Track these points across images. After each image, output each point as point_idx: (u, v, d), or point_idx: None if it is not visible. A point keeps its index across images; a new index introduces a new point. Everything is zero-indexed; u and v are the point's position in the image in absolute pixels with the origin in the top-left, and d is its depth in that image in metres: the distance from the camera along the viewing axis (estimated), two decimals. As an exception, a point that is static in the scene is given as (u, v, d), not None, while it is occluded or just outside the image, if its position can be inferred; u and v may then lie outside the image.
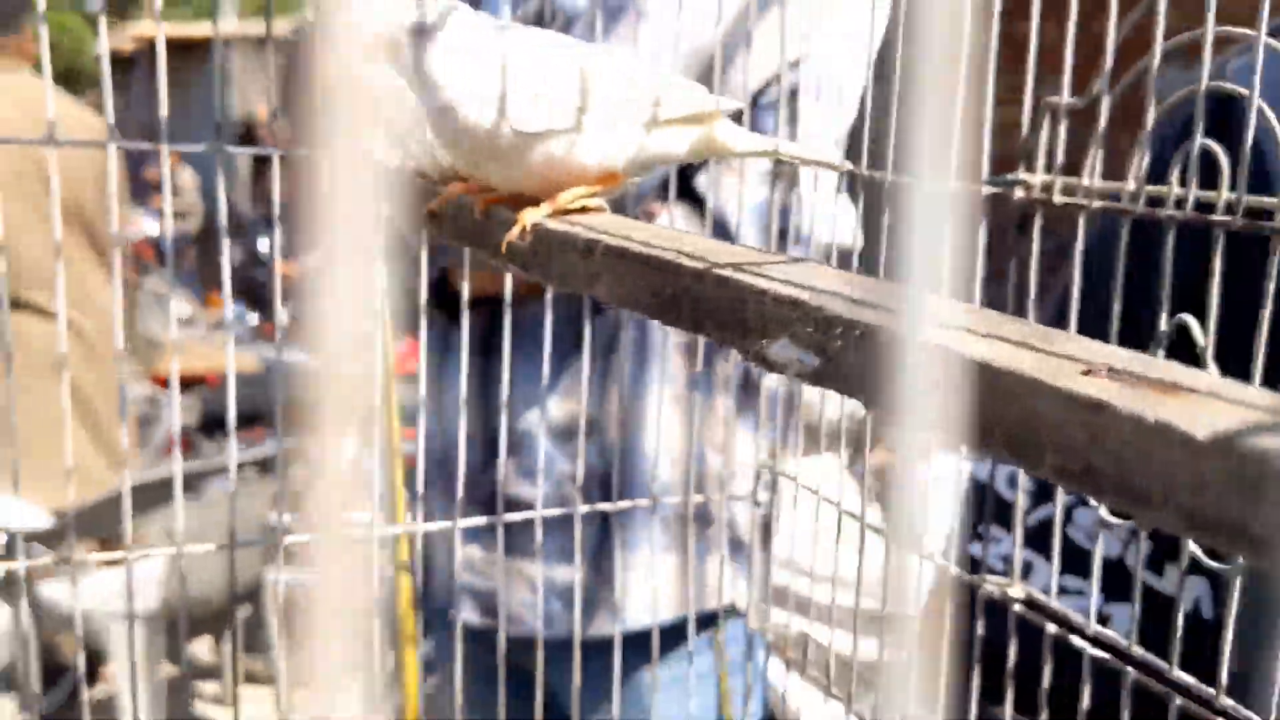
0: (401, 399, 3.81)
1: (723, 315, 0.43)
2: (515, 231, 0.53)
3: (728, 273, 0.43)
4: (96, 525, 2.84)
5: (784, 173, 1.29)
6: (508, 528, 1.27)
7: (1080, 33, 0.73)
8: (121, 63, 14.84)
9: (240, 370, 4.13)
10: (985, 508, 0.79)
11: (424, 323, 0.98)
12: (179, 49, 11.93)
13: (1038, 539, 0.85)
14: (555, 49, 0.58)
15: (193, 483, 3.61)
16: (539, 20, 1.25)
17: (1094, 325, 0.72)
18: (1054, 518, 0.79)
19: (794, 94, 1.31)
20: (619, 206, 1.17)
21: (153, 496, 2.84)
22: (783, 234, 1.26)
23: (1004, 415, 0.33)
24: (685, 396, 1.31)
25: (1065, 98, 0.70)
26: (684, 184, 1.27)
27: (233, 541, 0.81)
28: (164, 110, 0.80)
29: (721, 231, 1.18)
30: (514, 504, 1.28)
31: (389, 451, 1.02)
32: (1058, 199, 0.71)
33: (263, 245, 8.44)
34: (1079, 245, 0.73)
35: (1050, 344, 0.36)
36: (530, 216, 0.53)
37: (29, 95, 3.30)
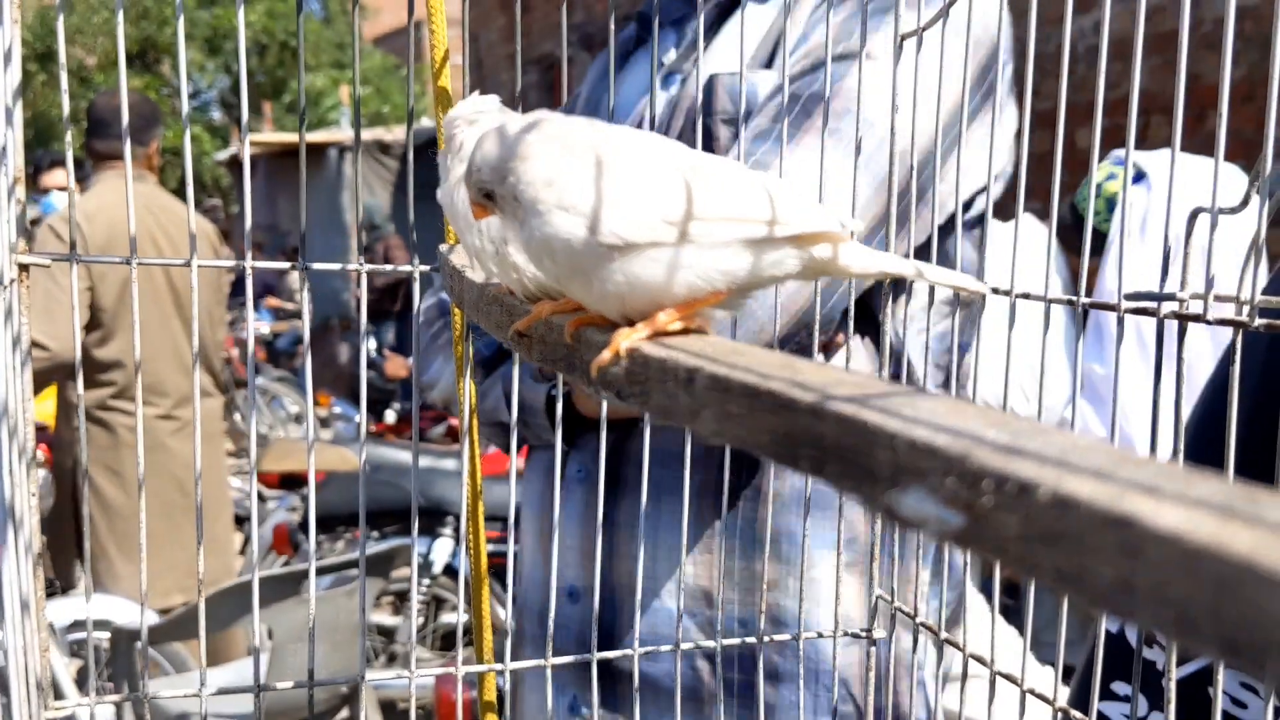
0: (499, 500, 3.75)
1: (846, 459, 0.37)
2: (608, 355, 0.48)
3: (851, 410, 0.38)
4: (195, 627, 2.86)
5: (970, 301, 1.20)
6: (626, 698, 1.18)
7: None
8: (239, 167, 15.53)
9: (345, 470, 4.17)
10: (1132, 667, 0.70)
11: (514, 439, 0.94)
12: (296, 154, 12.45)
13: (1183, 702, 0.75)
14: (655, 154, 0.54)
15: (295, 581, 3.63)
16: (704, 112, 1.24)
17: (1220, 450, 0.64)
18: (1197, 674, 0.70)
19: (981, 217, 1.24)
20: (790, 339, 1.11)
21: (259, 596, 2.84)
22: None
23: (1217, 609, 0.26)
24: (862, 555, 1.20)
25: (1219, 204, 0.63)
26: (862, 311, 1.21)
27: (310, 680, 0.76)
28: (302, 214, 0.79)
29: (896, 364, 1.13)
30: (641, 681, 1.20)
31: (476, 561, 0.97)
32: (1211, 316, 0.63)
33: (371, 346, 8.63)
34: (1235, 368, 0.65)
35: (1260, 510, 0.29)
36: (624, 340, 0.48)
37: (158, 204, 3.47)
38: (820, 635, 1.01)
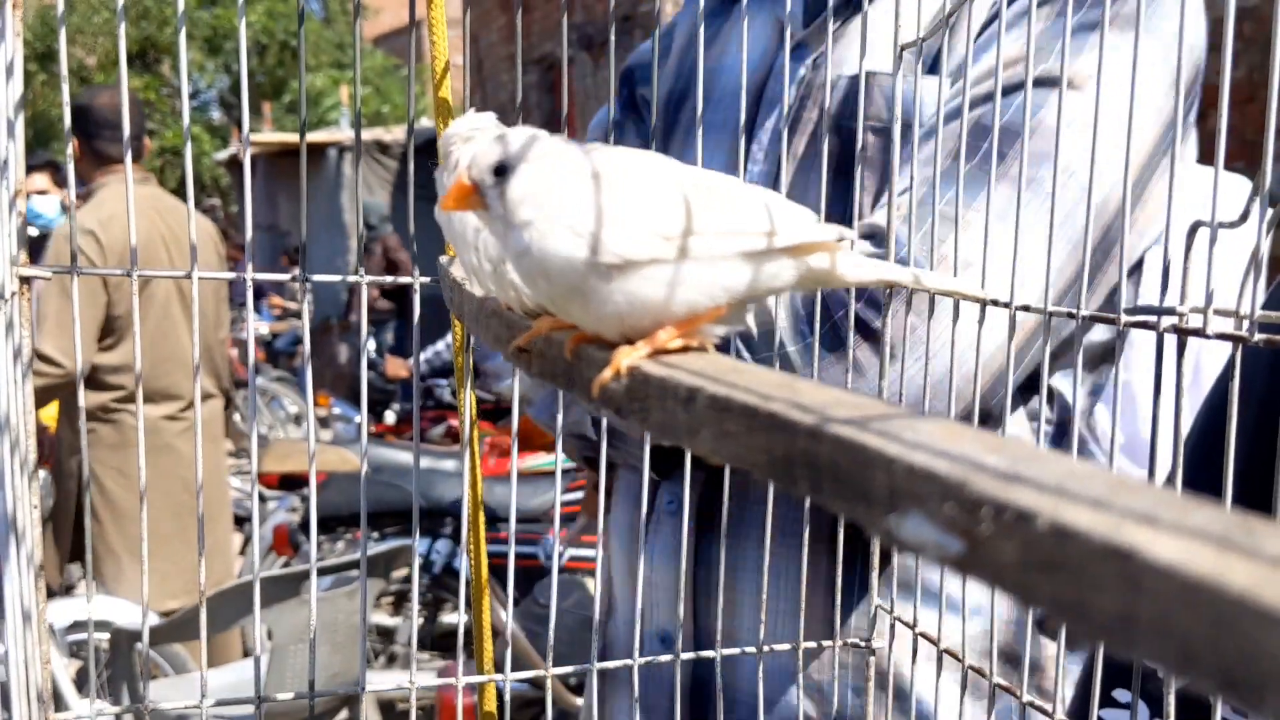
0: (500, 499, 3.74)
1: (843, 483, 0.37)
2: (608, 374, 0.48)
3: (849, 432, 0.38)
4: (196, 628, 2.87)
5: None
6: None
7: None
8: (238, 167, 15.53)
9: (346, 470, 4.17)
10: (1131, 675, 0.70)
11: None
12: (295, 154, 12.46)
13: (1183, 710, 0.75)
14: (649, 171, 0.54)
15: (295, 582, 3.64)
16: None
17: (1220, 465, 0.64)
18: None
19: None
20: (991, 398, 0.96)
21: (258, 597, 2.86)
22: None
23: (1217, 643, 0.26)
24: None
25: (1218, 216, 0.63)
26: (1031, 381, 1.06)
27: (311, 691, 0.76)
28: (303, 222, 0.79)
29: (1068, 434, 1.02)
30: None
31: (476, 570, 0.96)
32: (1211, 330, 0.63)
33: (370, 347, 8.63)
34: (1235, 384, 0.65)
35: (1258, 542, 0.29)
36: (625, 358, 0.48)
37: (163, 206, 3.48)
38: (820, 645, 1.00)
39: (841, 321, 0.96)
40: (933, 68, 1.05)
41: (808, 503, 0.88)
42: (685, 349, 0.50)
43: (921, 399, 0.88)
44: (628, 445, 1.11)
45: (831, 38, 0.89)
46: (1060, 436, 1.09)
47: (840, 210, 1.03)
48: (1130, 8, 0.95)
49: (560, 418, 0.93)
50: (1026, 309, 0.76)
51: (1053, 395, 1.08)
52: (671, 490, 1.14)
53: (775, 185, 1.10)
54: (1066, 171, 0.93)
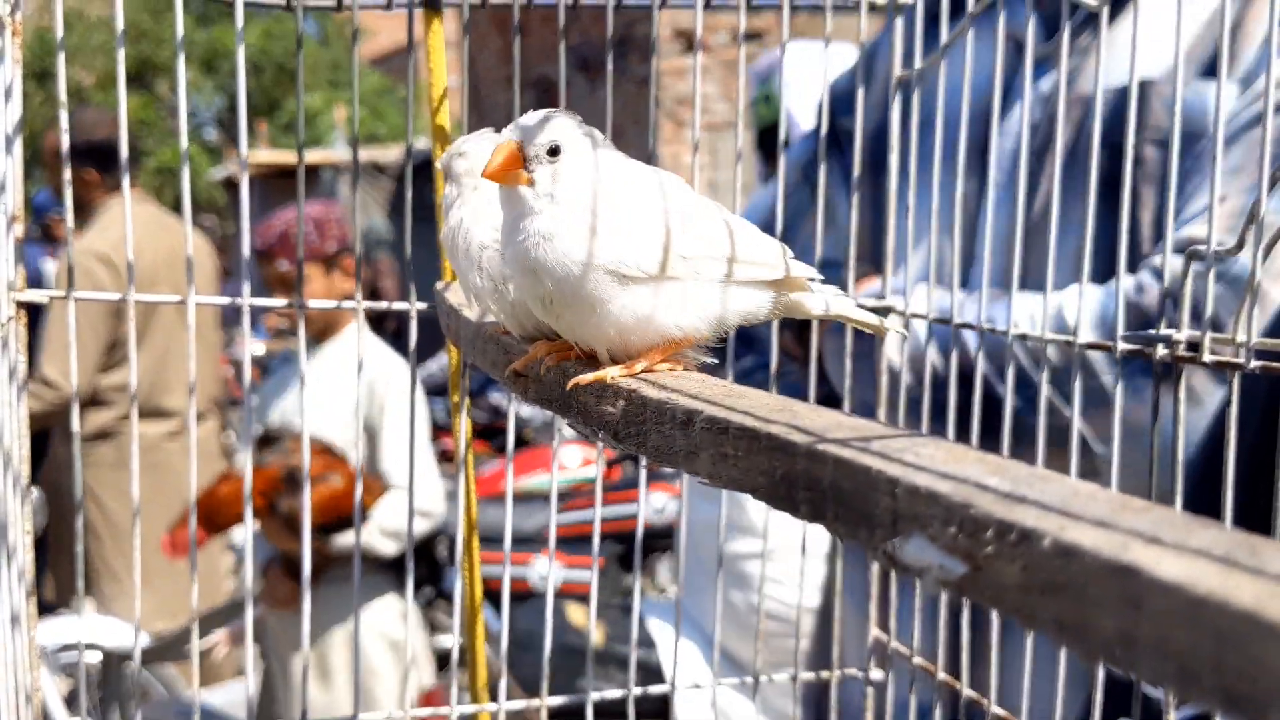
0: (492, 521, 3.70)
1: (845, 505, 0.37)
2: (588, 377, 0.48)
3: (849, 454, 0.38)
4: (187, 648, 2.85)
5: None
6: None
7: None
8: (235, 187, 15.52)
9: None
10: (1130, 703, 0.70)
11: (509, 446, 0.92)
12: (290, 174, 12.47)
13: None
14: (653, 191, 0.54)
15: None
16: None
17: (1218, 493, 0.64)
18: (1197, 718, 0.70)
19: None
20: None
21: (240, 616, 2.85)
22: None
23: (1219, 661, 0.26)
24: None
25: (1214, 245, 0.63)
26: None
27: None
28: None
29: None
30: None
31: (469, 585, 0.96)
32: (1207, 358, 0.64)
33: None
34: (1233, 409, 0.65)
35: (1262, 561, 0.29)
36: (612, 371, 0.48)
37: (163, 225, 3.50)
38: (819, 675, 1.00)
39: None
40: (1211, 72, 0.99)
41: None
42: (672, 369, 0.50)
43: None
44: None
45: (1078, 51, 0.85)
46: None
47: (1109, 229, 0.96)
48: None
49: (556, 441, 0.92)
50: (1024, 338, 0.76)
51: None
52: None
53: (1013, 211, 1.03)
54: None
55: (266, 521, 2.46)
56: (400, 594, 2.62)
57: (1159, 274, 0.85)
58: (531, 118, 0.61)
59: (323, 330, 2.70)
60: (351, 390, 2.63)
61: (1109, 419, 0.82)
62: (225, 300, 0.81)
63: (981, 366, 0.90)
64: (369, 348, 2.63)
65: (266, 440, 2.54)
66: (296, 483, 2.40)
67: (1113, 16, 1.03)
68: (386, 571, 2.60)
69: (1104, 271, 1.00)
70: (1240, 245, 0.58)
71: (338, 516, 2.44)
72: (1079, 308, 0.71)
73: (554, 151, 0.53)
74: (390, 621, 2.63)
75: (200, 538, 2.46)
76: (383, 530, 2.51)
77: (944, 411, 1.00)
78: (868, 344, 1.09)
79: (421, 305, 0.86)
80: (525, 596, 3.79)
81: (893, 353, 1.04)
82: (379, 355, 2.63)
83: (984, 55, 1.09)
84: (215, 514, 2.48)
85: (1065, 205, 1.03)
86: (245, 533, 0.84)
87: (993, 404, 0.95)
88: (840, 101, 1.29)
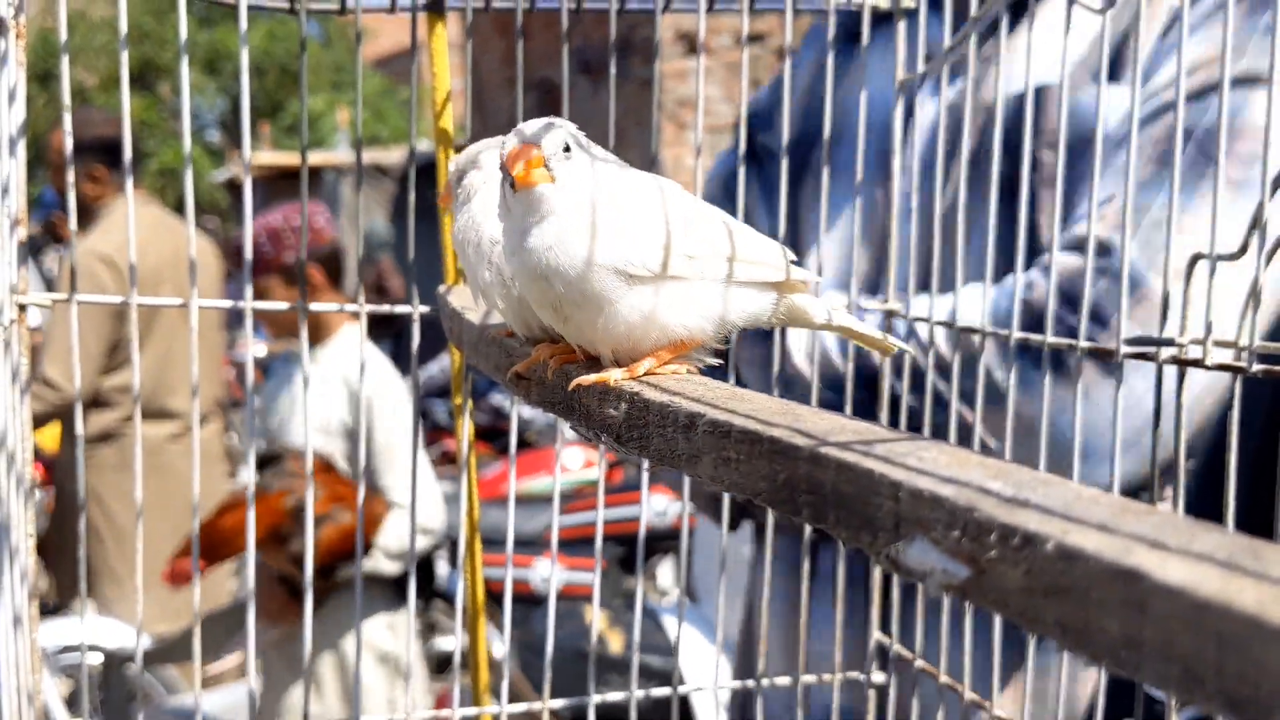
0: (494, 523, 3.71)
1: (847, 508, 0.37)
2: (590, 378, 0.48)
3: (852, 457, 0.38)
4: (189, 650, 2.85)
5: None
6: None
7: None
8: (237, 189, 15.55)
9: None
10: (1133, 705, 0.70)
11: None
12: (293, 176, 12.47)
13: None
14: (676, 196, 0.55)
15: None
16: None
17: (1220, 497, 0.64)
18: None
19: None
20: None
21: (243, 620, 2.85)
22: None
23: (1222, 665, 0.26)
24: None
25: (1216, 249, 0.63)
26: None
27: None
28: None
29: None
30: None
31: (471, 585, 0.96)
32: (1210, 361, 0.64)
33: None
34: (1235, 413, 0.65)
35: (1265, 565, 0.29)
36: (614, 373, 0.48)
37: (167, 226, 3.50)
38: (820, 679, 1.00)
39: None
40: (1110, 77, 1.02)
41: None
42: (675, 373, 0.50)
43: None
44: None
45: (977, 59, 0.88)
46: None
47: (1009, 233, 0.99)
48: None
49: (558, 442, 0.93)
50: (1027, 343, 0.76)
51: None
52: (786, 541, 1.16)
53: (929, 217, 1.07)
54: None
55: (270, 554, 2.43)
56: (389, 607, 2.60)
57: (1048, 271, 0.86)
58: (535, 124, 0.61)
59: (312, 335, 2.68)
60: (344, 398, 2.61)
61: (1002, 415, 0.85)
62: (227, 303, 0.81)
63: (914, 365, 0.94)
64: (372, 363, 2.61)
65: (267, 460, 2.53)
66: (302, 521, 2.39)
67: (1012, 25, 1.05)
68: (380, 586, 2.58)
69: (1007, 271, 1.02)
70: (1244, 250, 0.58)
71: (347, 553, 2.42)
72: (981, 307, 0.73)
73: (567, 149, 0.54)
74: (379, 633, 2.62)
75: (201, 567, 2.44)
76: (387, 554, 2.49)
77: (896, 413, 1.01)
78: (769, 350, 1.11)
79: (425, 309, 0.86)
80: (527, 599, 3.79)
81: (800, 361, 1.06)
82: (373, 363, 2.62)
83: (884, 69, 1.13)
84: (219, 545, 2.45)
85: (971, 209, 1.05)
86: (248, 543, 0.84)
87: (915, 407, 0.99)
88: (759, 118, 1.32)
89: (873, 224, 1.13)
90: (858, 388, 1.01)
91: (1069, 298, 0.92)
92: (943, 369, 0.98)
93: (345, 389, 2.62)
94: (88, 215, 3.47)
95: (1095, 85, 0.98)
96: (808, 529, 0.87)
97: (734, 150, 1.28)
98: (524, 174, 0.53)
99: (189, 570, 2.50)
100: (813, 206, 1.21)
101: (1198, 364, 0.61)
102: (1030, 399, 0.93)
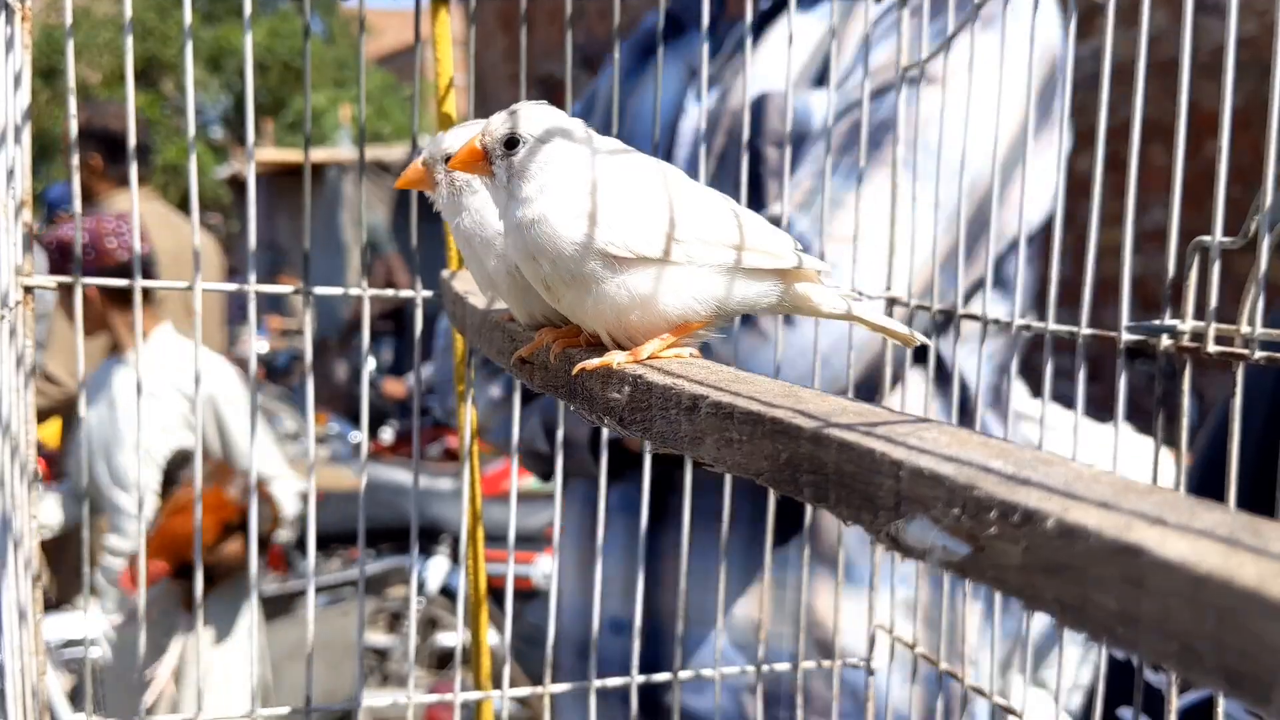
0: (496, 520, 3.74)
1: (848, 487, 0.37)
2: (594, 362, 0.48)
3: (854, 437, 0.38)
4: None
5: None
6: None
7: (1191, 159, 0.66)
8: (240, 185, 15.58)
9: (342, 488, 4.17)
10: (1133, 692, 0.70)
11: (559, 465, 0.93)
12: (295, 172, 12.47)
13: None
14: (650, 177, 0.55)
15: (289, 600, 3.62)
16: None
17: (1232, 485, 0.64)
18: (1201, 705, 0.70)
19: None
20: (864, 384, 1.07)
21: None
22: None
23: (1221, 640, 0.26)
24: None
25: (1219, 236, 0.63)
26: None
27: (308, 706, 0.76)
28: (306, 236, 0.79)
29: (957, 389, 1.04)
30: (685, 716, 1.18)
31: (475, 585, 0.96)
32: (1211, 348, 0.64)
33: (371, 364, 8.63)
34: (1237, 400, 0.65)
35: (1265, 541, 0.29)
36: (617, 357, 0.48)
37: (170, 223, 3.51)
38: (819, 665, 1.00)
39: None
40: (819, 81, 1.20)
41: (728, 488, 0.93)
42: (678, 356, 0.50)
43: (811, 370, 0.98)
44: (579, 454, 1.21)
45: (748, 62, 0.96)
46: (962, 414, 1.13)
47: None
48: (991, 10, 1.07)
49: (516, 434, 0.93)
50: (1028, 328, 0.76)
51: (948, 371, 1.13)
52: (621, 488, 1.24)
53: None
54: (933, 154, 1.02)
55: (232, 546, 2.53)
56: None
57: None
58: (499, 114, 0.62)
59: (127, 342, 2.82)
60: (176, 397, 2.77)
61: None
62: (232, 286, 0.81)
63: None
64: (202, 360, 2.65)
65: (180, 461, 2.62)
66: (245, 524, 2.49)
67: (756, 41, 1.25)
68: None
69: None
70: (1246, 235, 0.59)
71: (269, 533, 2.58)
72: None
73: (511, 144, 0.55)
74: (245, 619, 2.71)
75: (165, 570, 2.48)
76: (289, 523, 2.71)
77: None
78: None
79: (427, 293, 0.86)
80: (529, 595, 3.80)
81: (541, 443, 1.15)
82: (213, 367, 2.81)
83: (670, 79, 1.33)
84: (183, 547, 2.48)
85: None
86: (251, 532, 0.85)
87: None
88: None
89: None
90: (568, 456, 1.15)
91: None
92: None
93: (174, 390, 2.78)
94: (87, 207, 3.48)
95: (808, 90, 1.18)
96: (647, 475, 0.90)
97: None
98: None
99: (150, 575, 2.53)
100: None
101: (1198, 352, 0.61)
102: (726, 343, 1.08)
